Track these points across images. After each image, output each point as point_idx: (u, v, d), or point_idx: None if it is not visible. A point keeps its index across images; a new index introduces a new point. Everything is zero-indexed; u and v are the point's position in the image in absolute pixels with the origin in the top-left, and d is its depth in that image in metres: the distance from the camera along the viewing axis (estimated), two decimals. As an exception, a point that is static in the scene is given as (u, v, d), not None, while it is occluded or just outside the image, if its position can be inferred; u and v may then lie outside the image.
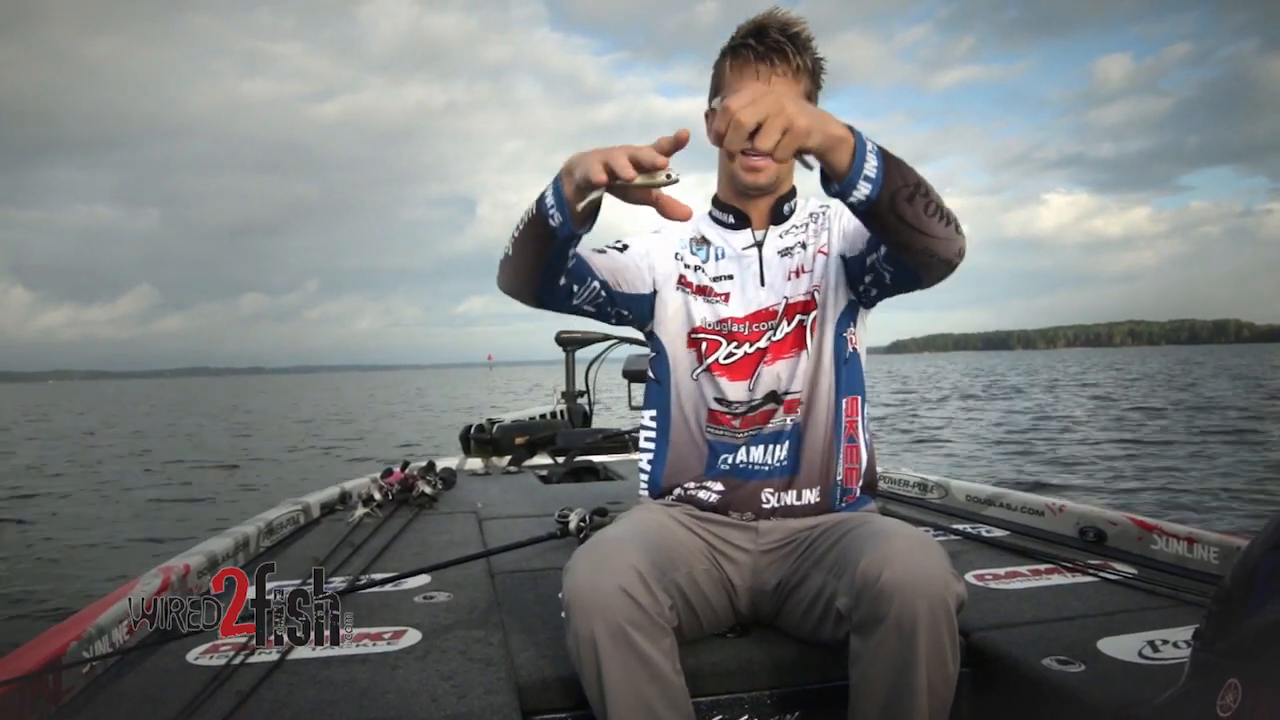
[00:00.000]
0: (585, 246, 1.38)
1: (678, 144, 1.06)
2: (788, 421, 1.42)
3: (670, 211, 1.09)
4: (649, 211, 1.12)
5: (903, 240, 1.18)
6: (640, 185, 1.06)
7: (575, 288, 1.36)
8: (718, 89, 1.42)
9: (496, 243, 1.39)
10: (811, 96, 1.40)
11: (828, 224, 1.48)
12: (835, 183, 1.10)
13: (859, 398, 1.47)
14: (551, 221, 1.16)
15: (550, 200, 1.16)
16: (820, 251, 1.46)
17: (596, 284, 1.39)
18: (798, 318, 1.43)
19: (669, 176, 1.06)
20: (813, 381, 1.43)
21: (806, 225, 1.50)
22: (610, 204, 1.17)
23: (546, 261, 1.25)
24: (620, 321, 1.50)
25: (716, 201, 1.51)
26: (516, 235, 1.25)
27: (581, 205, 1.13)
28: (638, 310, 1.48)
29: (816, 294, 1.44)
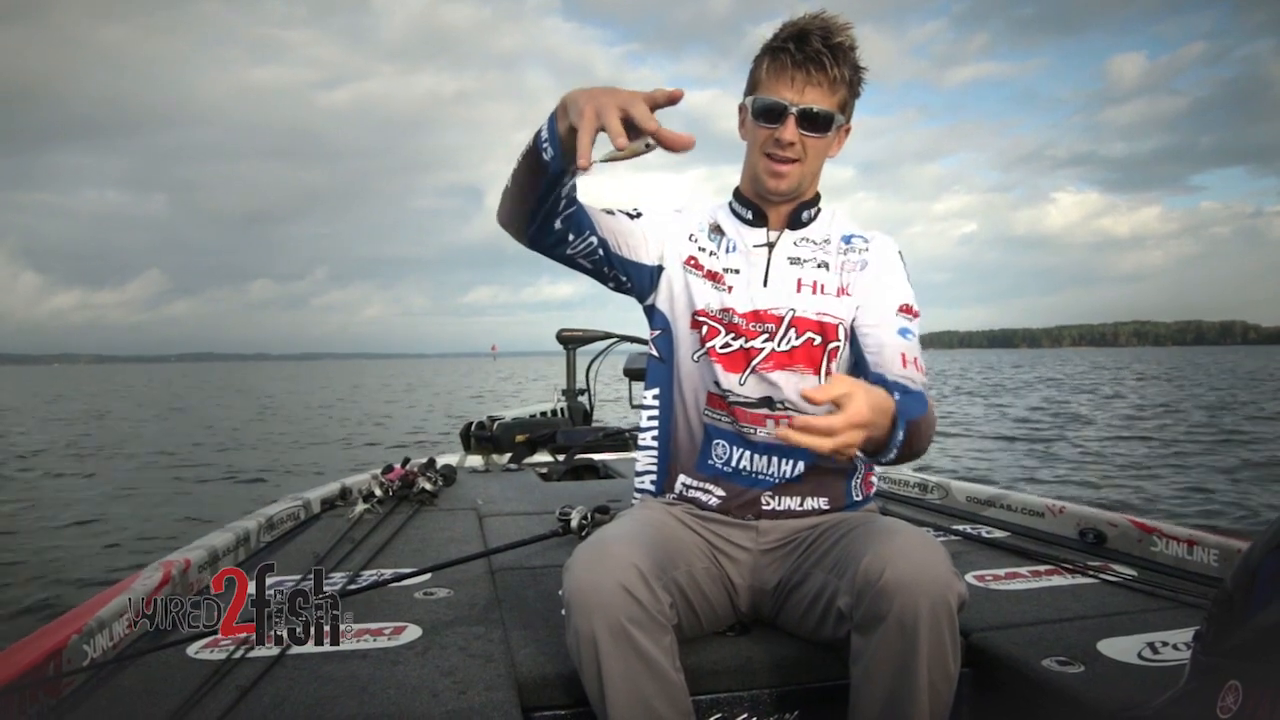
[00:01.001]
0: (596, 204, 1.39)
1: (671, 101, 1.06)
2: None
3: (672, 143, 1.06)
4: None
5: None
6: (615, 159, 1.05)
7: (571, 236, 1.35)
8: (753, 86, 1.40)
9: (504, 234, 1.38)
10: (846, 107, 1.39)
11: (864, 267, 1.45)
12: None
13: None
14: (544, 155, 1.17)
15: (545, 135, 1.17)
16: (847, 292, 1.44)
17: (595, 240, 1.39)
18: (809, 335, 1.41)
19: (647, 145, 1.05)
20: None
21: (830, 244, 1.47)
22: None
23: (539, 196, 1.25)
24: (618, 286, 1.48)
25: (738, 194, 1.50)
26: (515, 166, 1.25)
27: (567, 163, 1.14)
28: (638, 279, 1.47)
29: (843, 329, 1.42)
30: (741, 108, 1.43)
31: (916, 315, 1.43)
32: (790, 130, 1.34)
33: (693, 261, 1.46)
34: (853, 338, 1.43)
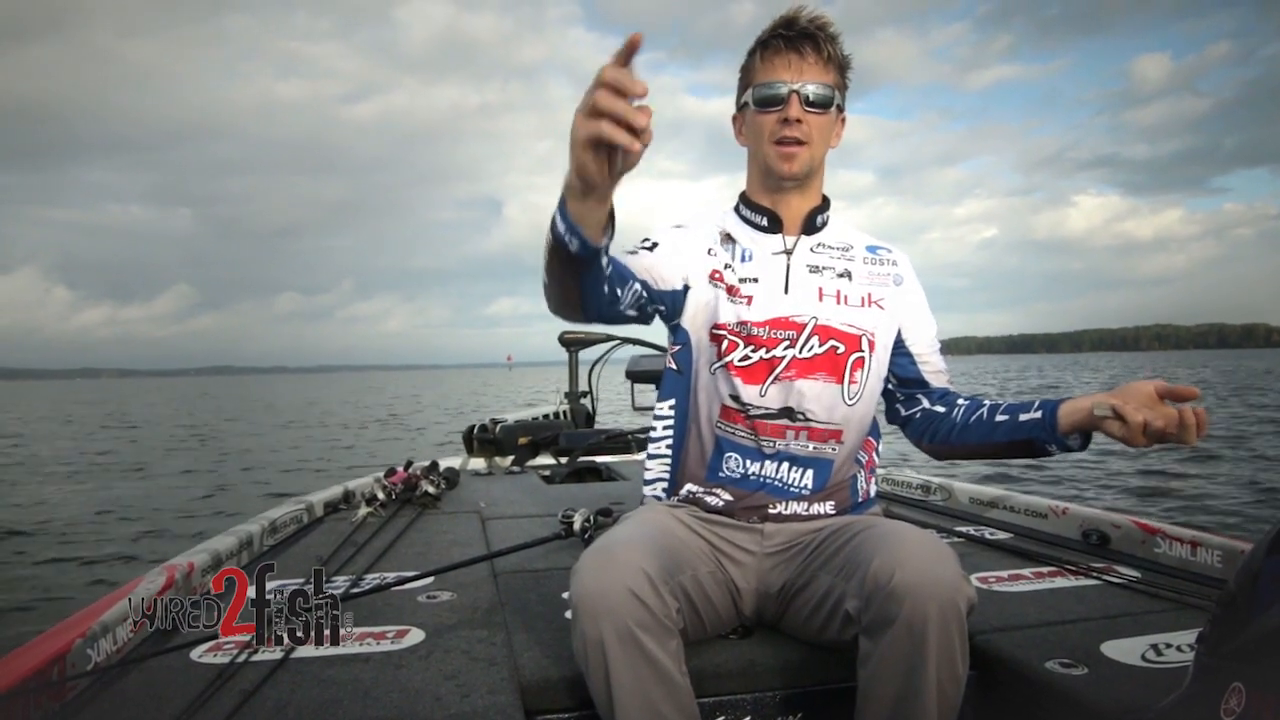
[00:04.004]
0: (617, 249, 1.34)
1: (630, 49, 0.90)
2: (813, 449, 1.41)
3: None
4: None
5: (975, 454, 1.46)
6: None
7: (619, 292, 1.32)
8: (746, 86, 1.43)
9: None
10: (841, 89, 1.42)
11: (899, 283, 1.50)
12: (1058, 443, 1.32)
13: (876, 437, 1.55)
14: (570, 248, 1.09)
15: (561, 226, 1.07)
16: (876, 304, 1.47)
17: (638, 285, 1.38)
18: (832, 344, 1.42)
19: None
20: (853, 423, 1.43)
21: (853, 250, 1.49)
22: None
23: (581, 281, 1.19)
24: (658, 317, 1.48)
25: (746, 200, 1.50)
26: (545, 262, 1.19)
27: (582, 203, 1.03)
28: (672, 305, 1.46)
29: (867, 339, 1.44)
30: (736, 116, 1.47)
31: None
32: (795, 108, 1.36)
33: (716, 275, 1.46)
34: (898, 354, 1.50)
